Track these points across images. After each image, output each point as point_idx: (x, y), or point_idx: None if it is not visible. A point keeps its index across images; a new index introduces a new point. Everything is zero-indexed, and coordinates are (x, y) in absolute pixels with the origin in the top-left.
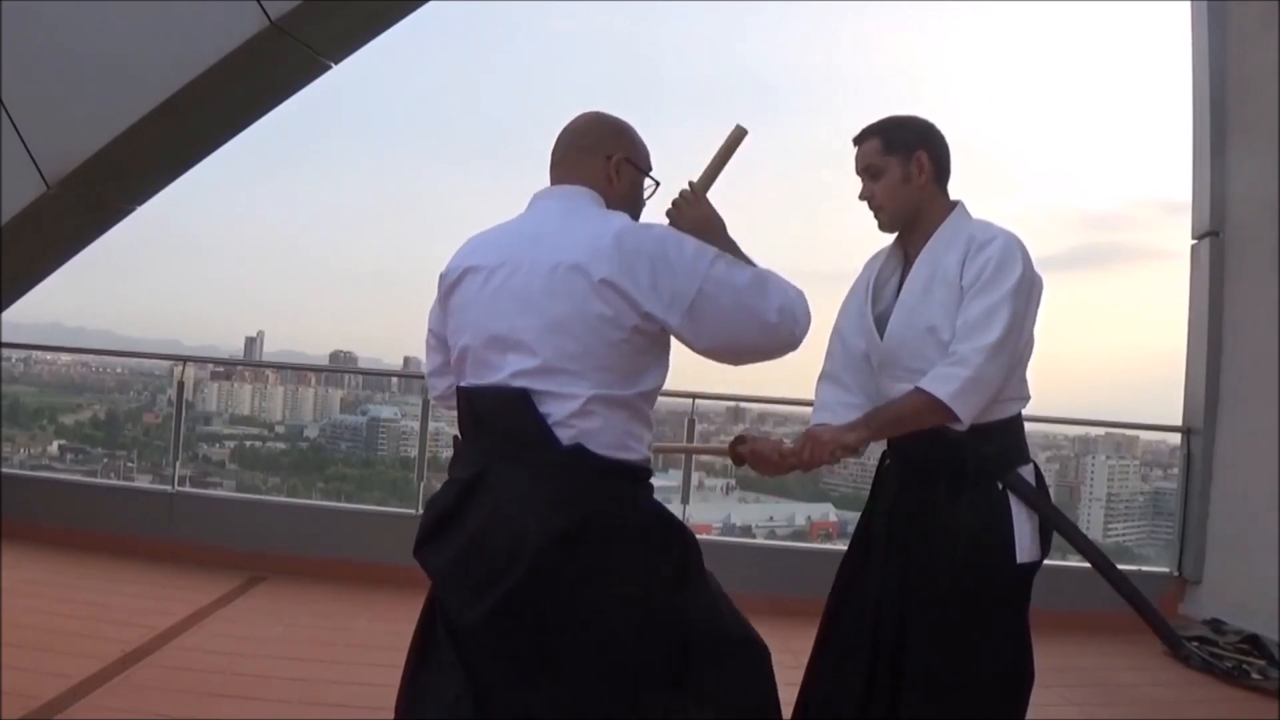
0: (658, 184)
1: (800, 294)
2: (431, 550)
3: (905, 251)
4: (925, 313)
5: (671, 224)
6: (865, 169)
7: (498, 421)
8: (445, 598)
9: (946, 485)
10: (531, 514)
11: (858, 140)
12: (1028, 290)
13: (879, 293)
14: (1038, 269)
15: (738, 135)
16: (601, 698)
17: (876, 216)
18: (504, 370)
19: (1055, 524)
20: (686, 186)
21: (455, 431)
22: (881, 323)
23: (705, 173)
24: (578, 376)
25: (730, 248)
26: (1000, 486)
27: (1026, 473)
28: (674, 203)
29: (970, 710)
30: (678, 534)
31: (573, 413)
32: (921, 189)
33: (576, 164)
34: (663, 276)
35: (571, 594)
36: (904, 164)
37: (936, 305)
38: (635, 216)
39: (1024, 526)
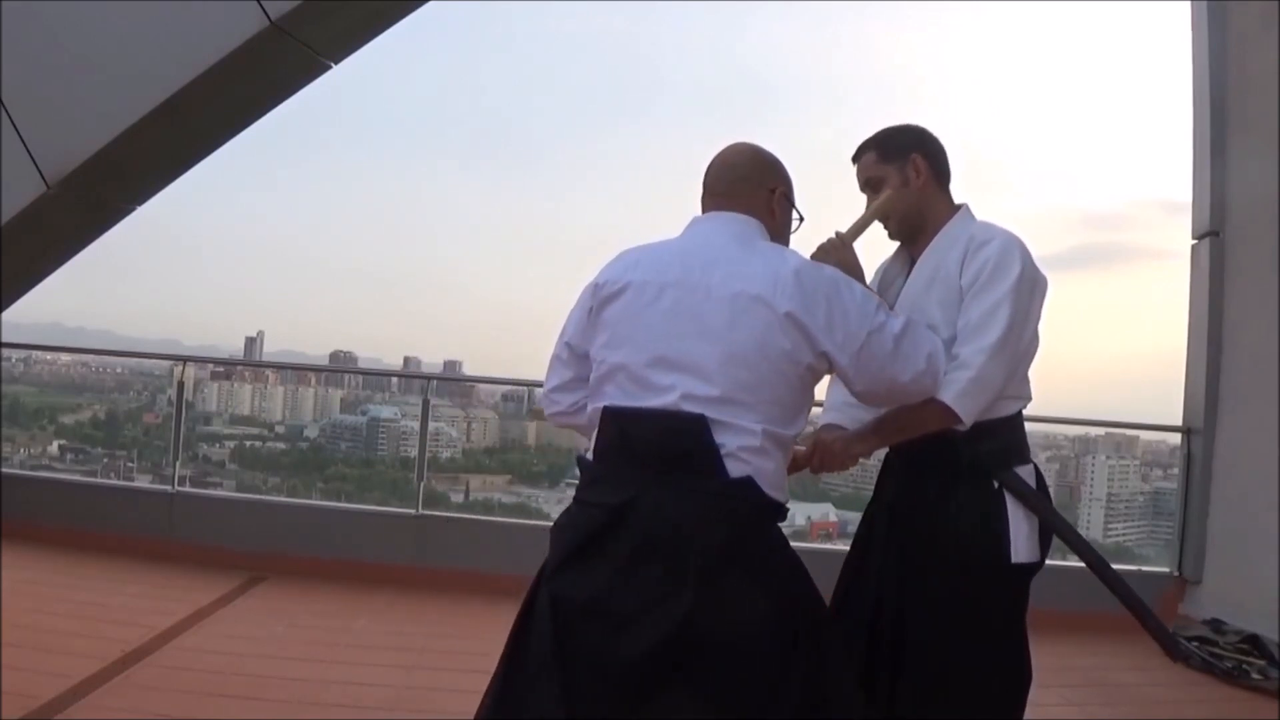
0: (802, 219)
1: (939, 342)
2: (570, 578)
3: (910, 253)
4: (925, 312)
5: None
6: (866, 182)
7: (661, 446)
8: (583, 626)
9: (941, 482)
10: (689, 535)
11: (855, 157)
12: (1029, 289)
13: (883, 293)
14: (1040, 268)
15: (890, 199)
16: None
17: (885, 227)
18: (669, 394)
19: (1051, 525)
20: (834, 234)
21: (455, 435)
22: None
23: (855, 225)
24: (750, 409)
25: None
26: (996, 485)
27: (1026, 473)
28: (821, 247)
29: (964, 711)
30: (806, 580)
31: (749, 447)
32: (921, 191)
33: (743, 195)
34: (837, 317)
35: (726, 611)
36: (900, 170)
37: (935, 304)
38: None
39: (1021, 526)
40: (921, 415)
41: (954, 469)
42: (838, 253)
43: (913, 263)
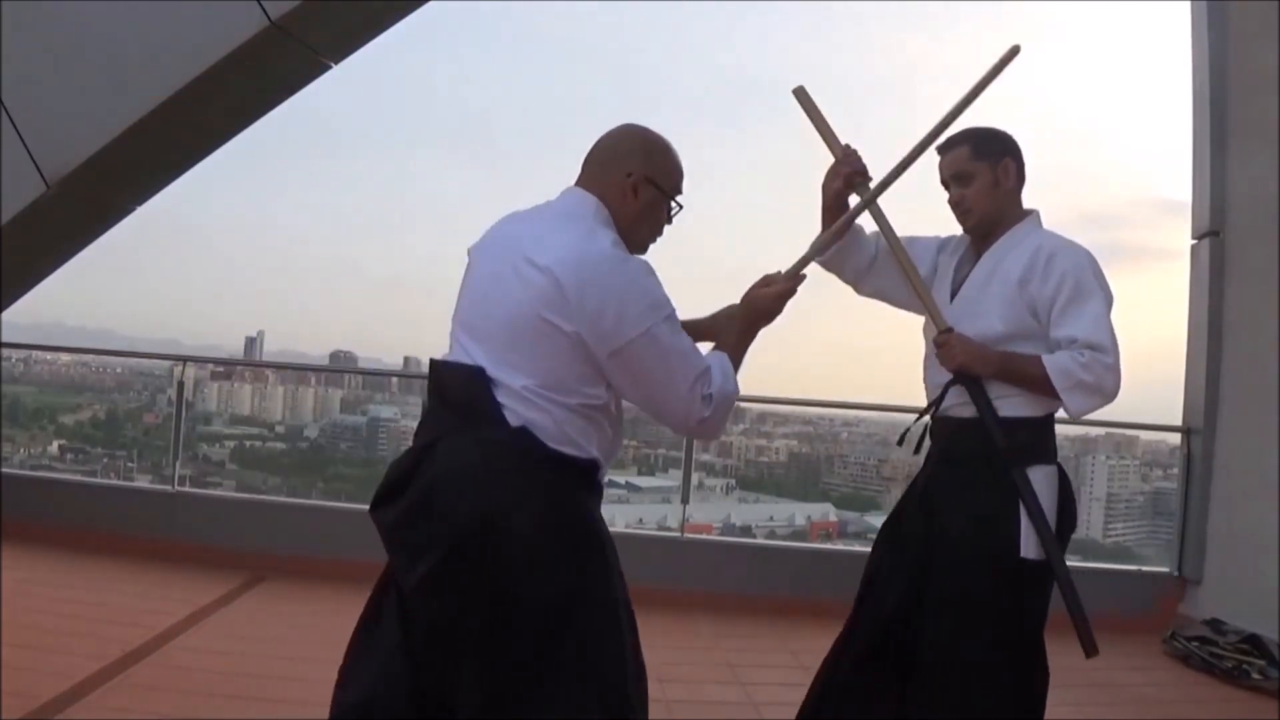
0: (680, 207)
1: (726, 385)
2: (382, 511)
3: (977, 249)
4: (983, 304)
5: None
6: (954, 175)
7: (455, 394)
8: (391, 556)
9: (966, 472)
10: (459, 490)
11: (943, 149)
12: (1110, 302)
13: (941, 273)
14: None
15: (825, 239)
16: (508, 685)
17: (964, 220)
18: (463, 354)
19: (1035, 525)
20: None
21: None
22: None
23: (796, 263)
24: (518, 370)
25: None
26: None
27: (1049, 474)
28: (762, 281)
29: (973, 711)
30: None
31: (522, 399)
32: (1008, 193)
33: (596, 175)
34: (610, 308)
35: (487, 578)
36: (992, 170)
37: (993, 299)
38: (651, 236)
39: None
40: (1035, 380)
41: (978, 461)
42: (764, 300)
43: (977, 256)
